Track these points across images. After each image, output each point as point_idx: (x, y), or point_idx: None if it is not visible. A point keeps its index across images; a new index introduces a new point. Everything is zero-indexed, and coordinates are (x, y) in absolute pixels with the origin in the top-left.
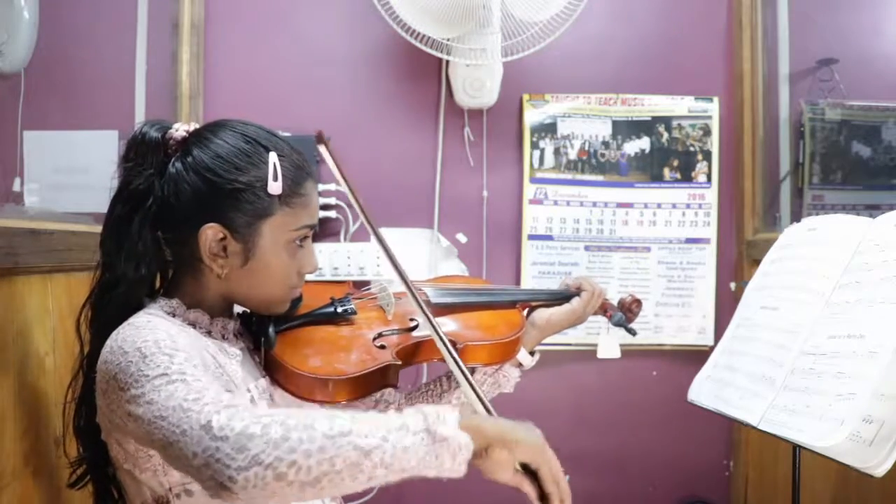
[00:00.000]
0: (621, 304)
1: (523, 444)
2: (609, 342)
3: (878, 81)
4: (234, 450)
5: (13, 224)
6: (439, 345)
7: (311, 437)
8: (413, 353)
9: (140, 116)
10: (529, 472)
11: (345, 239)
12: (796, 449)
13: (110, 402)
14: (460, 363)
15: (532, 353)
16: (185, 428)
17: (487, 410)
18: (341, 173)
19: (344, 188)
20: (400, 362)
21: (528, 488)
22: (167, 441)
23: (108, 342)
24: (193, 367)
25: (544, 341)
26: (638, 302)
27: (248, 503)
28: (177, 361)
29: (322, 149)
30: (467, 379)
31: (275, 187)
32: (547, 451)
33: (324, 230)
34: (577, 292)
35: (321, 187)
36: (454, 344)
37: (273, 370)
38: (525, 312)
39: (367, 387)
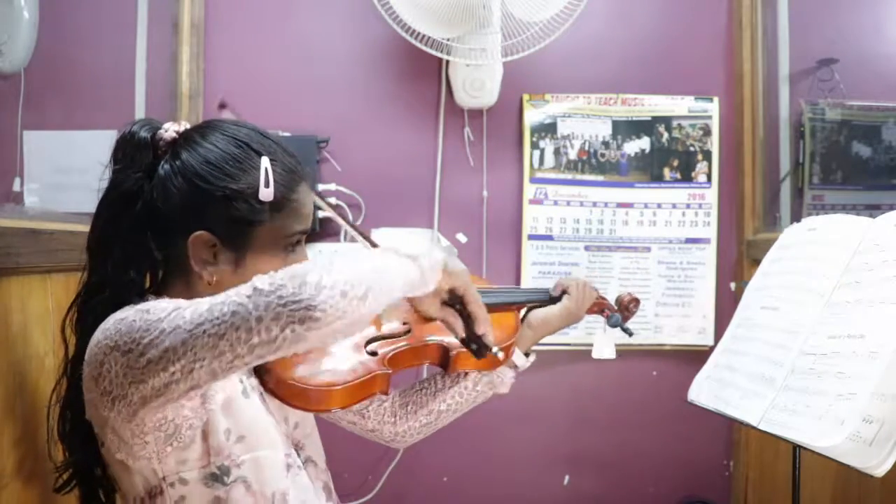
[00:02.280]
0: (619, 301)
1: (454, 272)
2: (604, 342)
3: (878, 81)
4: (296, 287)
5: (13, 224)
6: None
7: (342, 264)
8: (405, 359)
9: (140, 116)
10: (451, 306)
11: (345, 239)
12: (796, 449)
13: (109, 381)
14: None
15: (527, 354)
16: (233, 309)
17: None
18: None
19: None
20: (391, 371)
21: (454, 320)
22: (217, 335)
23: (96, 333)
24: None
25: (544, 341)
26: (636, 301)
27: (329, 329)
28: (184, 302)
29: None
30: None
31: (266, 194)
32: (468, 278)
33: (324, 230)
34: (565, 291)
35: (321, 187)
36: (447, 351)
37: (262, 377)
38: (521, 313)
39: (357, 396)
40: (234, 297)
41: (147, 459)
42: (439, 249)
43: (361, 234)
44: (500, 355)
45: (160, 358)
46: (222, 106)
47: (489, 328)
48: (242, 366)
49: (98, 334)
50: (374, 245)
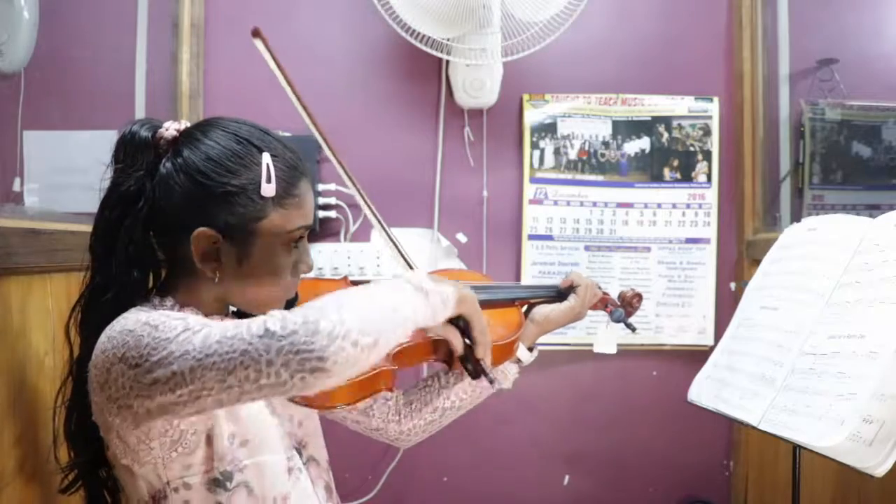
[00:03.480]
0: (622, 297)
1: (465, 299)
2: (607, 337)
3: (878, 81)
4: (309, 335)
5: (13, 224)
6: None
7: (355, 306)
8: (409, 355)
9: (140, 116)
10: (456, 325)
11: (345, 239)
12: (796, 449)
13: (115, 389)
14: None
15: (531, 349)
16: (243, 348)
17: (410, 267)
18: (284, 76)
19: (296, 105)
20: (396, 367)
21: (455, 338)
22: (226, 370)
23: (102, 337)
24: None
25: (544, 341)
26: (638, 296)
27: (337, 378)
28: (192, 320)
29: (259, 44)
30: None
31: (268, 189)
32: (478, 305)
33: (324, 230)
34: (573, 289)
35: (321, 187)
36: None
37: None
38: (524, 309)
39: (362, 392)
40: (244, 333)
41: (152, 465)
42: (449, 286)
43: (386, 231)
44: (496, 385)
45: (168, 379)
46: (255, 34)
47: (488, 354)
48: (249, 400)
49: (105, 341)
50: (395, 245)
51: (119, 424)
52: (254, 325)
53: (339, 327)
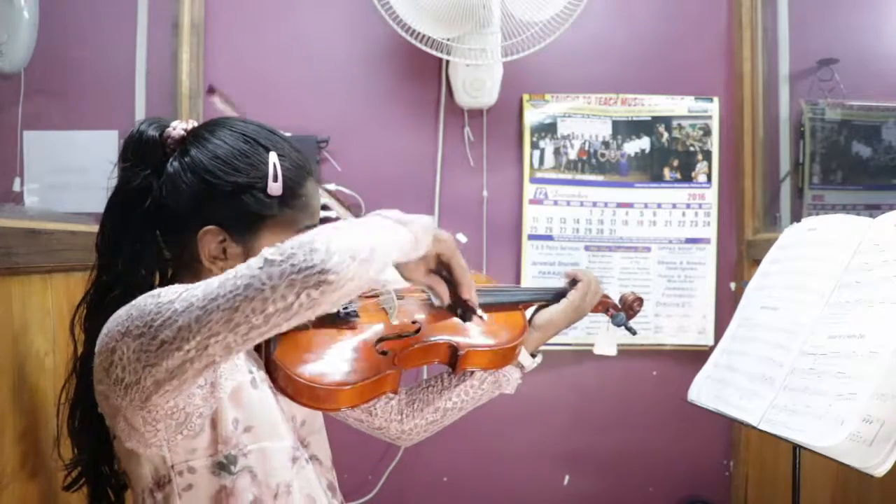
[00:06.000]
0: (623, 300)
1: (442, 238)
2: (607, 340)
3: (878, 81)
4: (307, 254)
5: (13, 224)
6: None
7: (342, 230)
8: (415, 357)
9: (140, 116)
10: (438, 274)
11: None
12: (796, 449)
13: (121, 368)
14: None
15: (534, 355)
16: (246, 283)
17: None
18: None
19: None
20: (401, 369)
21: (439, 286)
22: (232, 308)
23: (106, 324)
24: None
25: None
26: (640, 300)
27: (342, 291)
28: (191, 284)
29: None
30: None
31: (275, 188)
32: (455, 244)
33: None
34: (574, 285)
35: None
36: (455, 350)
37: (273, 374)
38: (528, 313)
39: (367, 395)
40: (244, 270)
41: (157, 447)
42: (427, 217)
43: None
44: (485, 317)
45: (174, 337)
46: (211, 91)
47: (474, 293)
48: (257, 337)
49: (109, 324)
50: None
51: (126, 407)
52: (252, 260)
53: (334, 243)
